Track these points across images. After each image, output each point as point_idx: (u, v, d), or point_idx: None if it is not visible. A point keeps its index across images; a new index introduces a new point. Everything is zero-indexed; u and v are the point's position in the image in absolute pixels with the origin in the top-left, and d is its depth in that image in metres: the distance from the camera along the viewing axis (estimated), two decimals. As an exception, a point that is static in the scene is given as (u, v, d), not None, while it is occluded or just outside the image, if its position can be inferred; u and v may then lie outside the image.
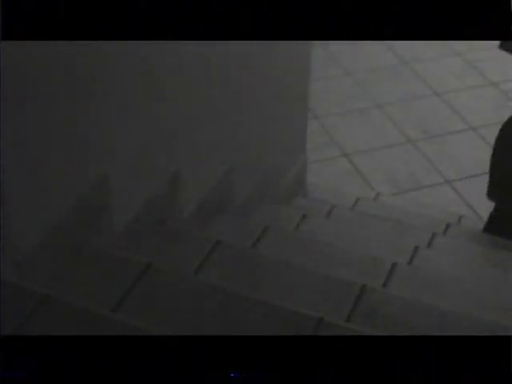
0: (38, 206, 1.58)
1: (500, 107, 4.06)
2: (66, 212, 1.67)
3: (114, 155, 1.79)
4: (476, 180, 3.54)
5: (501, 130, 2.76)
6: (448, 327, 1.65)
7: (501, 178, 2.81)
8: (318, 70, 4.10)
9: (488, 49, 4.41)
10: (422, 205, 3.28)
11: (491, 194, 2.85)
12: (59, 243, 1.67)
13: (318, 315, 1.57)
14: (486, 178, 2.88)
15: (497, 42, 2.59)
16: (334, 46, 4.37)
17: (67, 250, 1.70)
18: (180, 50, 1.94)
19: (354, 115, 3.96)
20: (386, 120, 3.94)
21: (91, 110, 1.66)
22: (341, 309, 1.68)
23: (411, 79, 4.28)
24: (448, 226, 2.88)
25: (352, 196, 3.20)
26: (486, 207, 3.17)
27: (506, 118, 2.81)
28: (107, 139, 1.75)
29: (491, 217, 2.96)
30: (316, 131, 3.75)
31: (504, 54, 2.63)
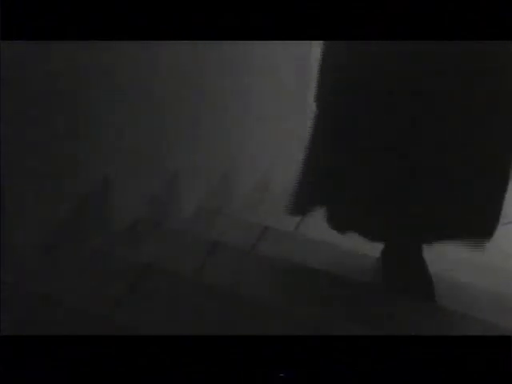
0: (38, 206, 1.58)
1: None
2: (66, 212, 1.67)
3: (113, 155, 1.79)
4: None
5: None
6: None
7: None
8: (317, 70, 4.09)
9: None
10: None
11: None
12: (59, 243, 1.67)
13: (317, 314, 1.57)
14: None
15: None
16: (334, 46, 4.36)
17: (67, 250, 1.70)
18: (178, 49, 1.94)
19: (354, 115, 3.94)
20: (385, 120, 3.93)
21: (91, 109, 1.67)
22: (339, 307, 1.68)
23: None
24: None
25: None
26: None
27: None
28: (107, 139, 1.75)
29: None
30: (316, 131, 3.74)
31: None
